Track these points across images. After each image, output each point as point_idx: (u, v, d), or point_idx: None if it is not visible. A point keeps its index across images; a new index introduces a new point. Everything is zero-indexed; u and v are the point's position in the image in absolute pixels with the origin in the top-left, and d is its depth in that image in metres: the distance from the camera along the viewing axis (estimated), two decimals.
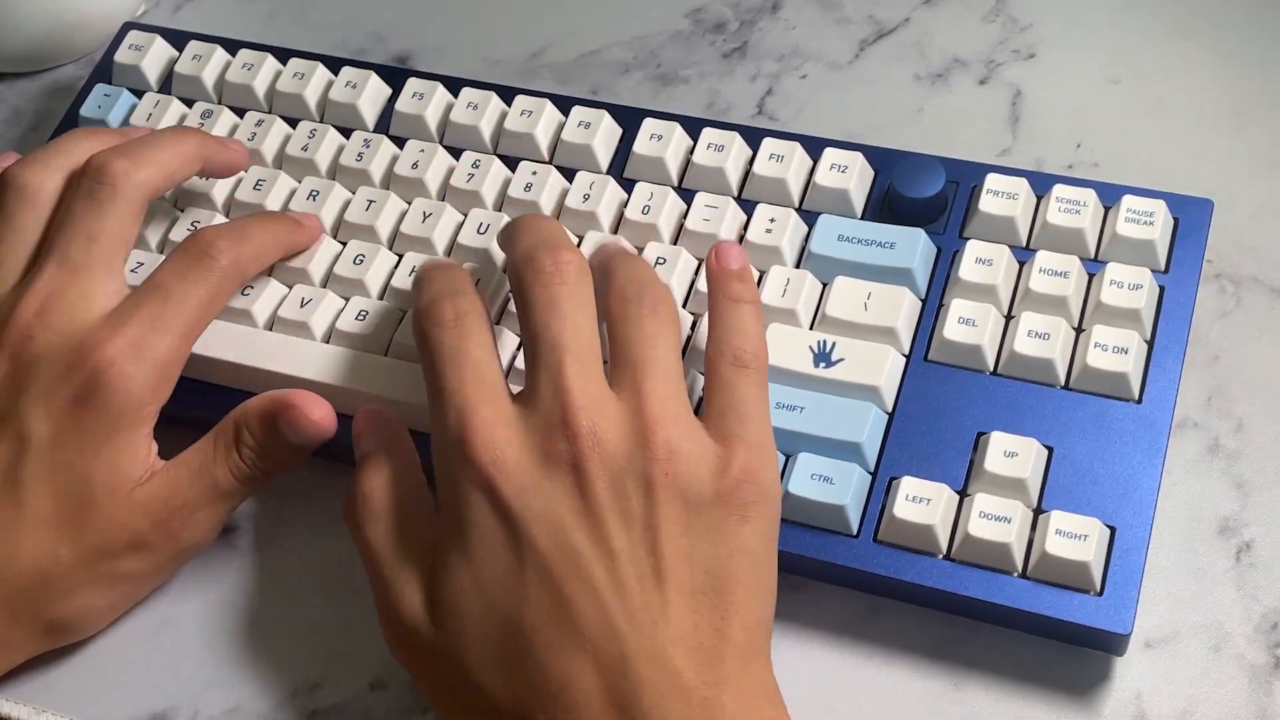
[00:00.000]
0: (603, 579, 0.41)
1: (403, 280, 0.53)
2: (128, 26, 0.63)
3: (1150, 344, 0.49)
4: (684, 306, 0.51)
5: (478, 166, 0.56)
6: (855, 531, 0.47)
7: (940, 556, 0.46)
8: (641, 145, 0.55)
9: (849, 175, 0.53)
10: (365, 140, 0.57)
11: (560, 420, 0.43)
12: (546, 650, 0.41)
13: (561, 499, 0.42)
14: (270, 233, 0.52)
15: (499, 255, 0.53)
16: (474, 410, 0.43)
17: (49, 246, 0.49)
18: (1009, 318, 0.50)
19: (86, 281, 0.48)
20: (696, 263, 0.53)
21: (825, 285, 0.52)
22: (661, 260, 0.52)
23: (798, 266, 0.53)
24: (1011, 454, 0.47)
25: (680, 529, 0.42)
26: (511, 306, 0.51)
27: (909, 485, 0.47)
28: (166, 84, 0.61)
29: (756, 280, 0.52)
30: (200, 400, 0.51)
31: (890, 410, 0.49)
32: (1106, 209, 0.52)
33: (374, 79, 0.59)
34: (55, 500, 0.46)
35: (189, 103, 0.60)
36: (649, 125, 0.56)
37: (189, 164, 0.52)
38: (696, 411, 0.45)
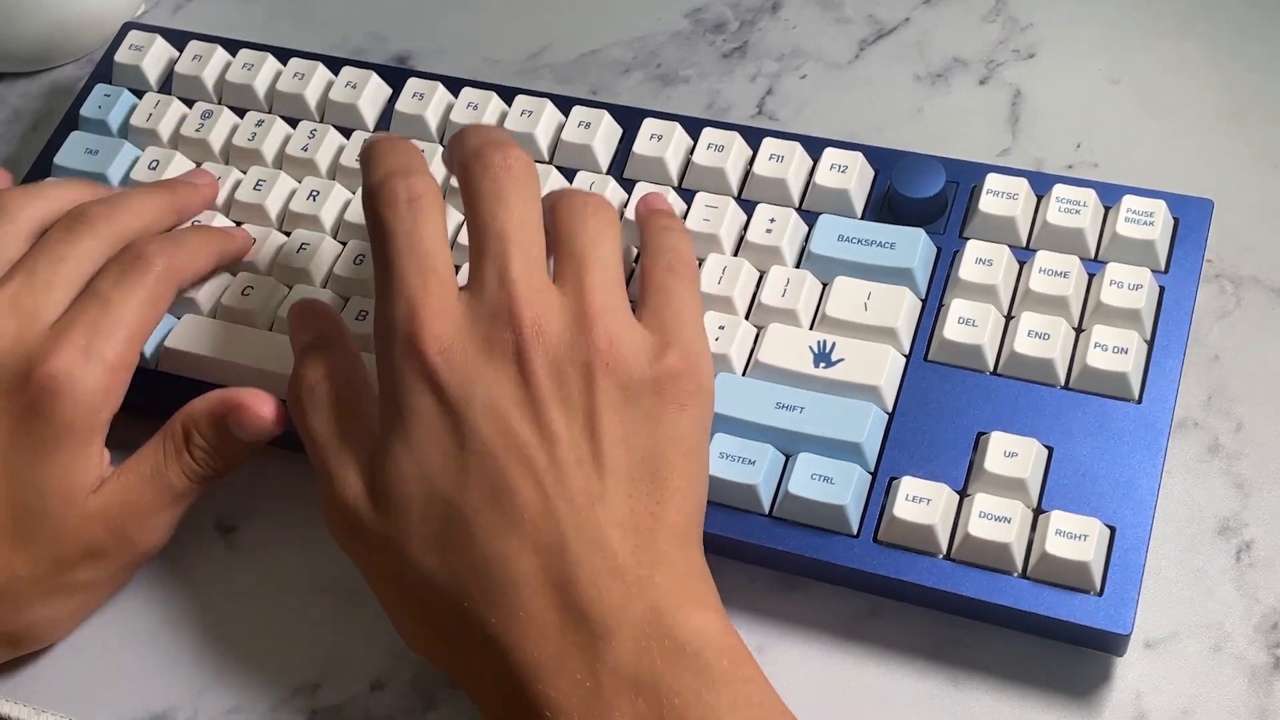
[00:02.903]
0: (543, 463, 0.42)
1: None
2: (128, 26, 0.63)
3: (1150, 344, 0.49)
4: None
5: None
6: (855, 531, 0.47)
7: (940, 556, 0.46)
8: (641, 145, 0.55)
9: (849, 175, 0.53)
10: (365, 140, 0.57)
11: (505, 310, 0.44)
12: (486, 532, 0.42)
13: (504, 387, 0.43)
14: (201, 239, 0.53)
15: None
16: (422, 303, 0.44)
17: (20, 262, 0.49)
18: (1009, 318, 0.50)
19: (43, 294, 0.48)
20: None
21: (825, 285, 0.52)
22: None
23: (798, 266, 0.53)
24: (1011, 454, 0.47)
25: (619, 416, 0.43)
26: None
27: (909, 485, 0.47)
28: (166, 84, 0.61)
29: (756, 280, 0.52)
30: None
31: (890, 410, 0.49)
32: (1106, 209, 0.52)
33: (374, 79, 0.59)
34: (8, 513, 0.46)
35: (189, 103, 0.60)
36: (649, 125, 0.56)
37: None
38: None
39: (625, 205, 0.54)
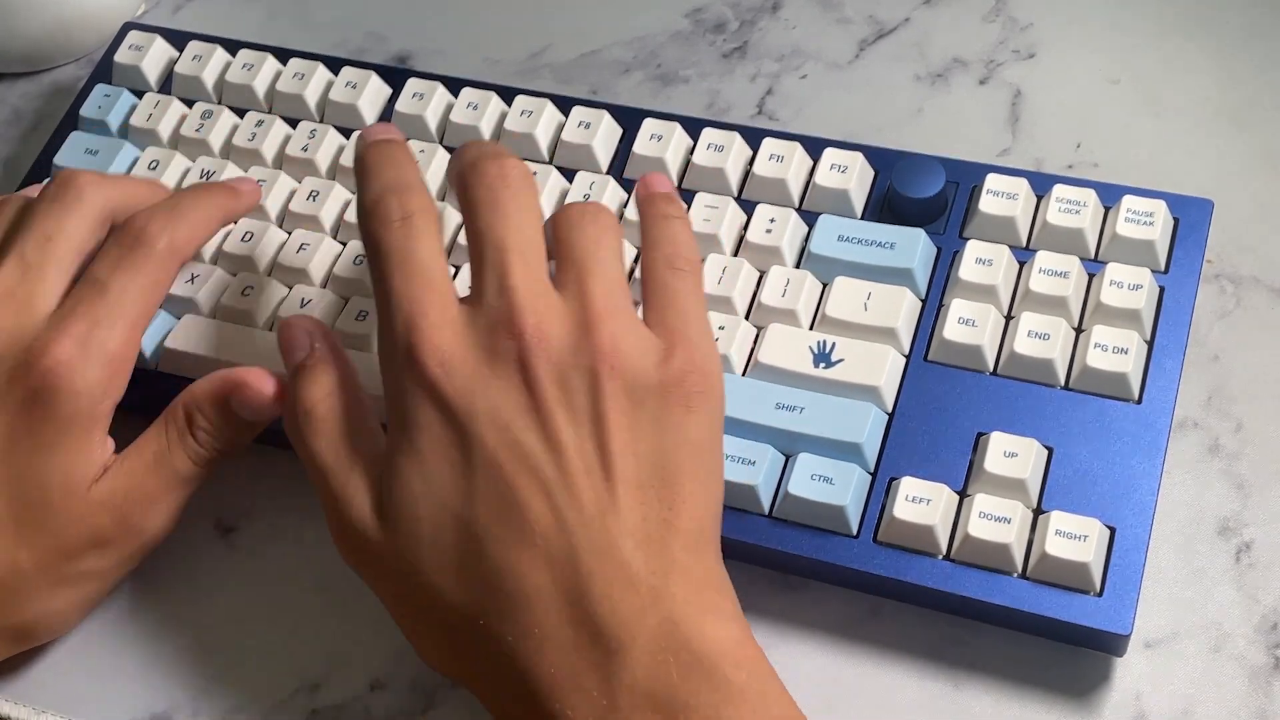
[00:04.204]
0: (551, 474, 0.41)
1: None
2: (128, 26, 0.63)
3: (1150, 344, 0.49)
4: None
5: None
6: (855, 532, 0.47)
7: (940, 557, 0.46)
8: (641, 145, 0.55)
9: (849, 175, 0.53)
10: None
11: (506, 319, 0.43)
12: (497, 547, 0.41)
13: (508, 396, 0.42)
14: (204, 207, 0.51)
15: None
16: (422, 314, 0.43)
17: (8, 246, 0.49)
18: (1009, 318, 0.50)
19: (37, 281, 0.48)
20: None
21: (825, 285, 0.52)
22: None
23: (798, 267, 0.53)
24: (1011, 454, 0.47)
25: (626, 421, 0.42)
26: None
27: (909, 485, 0.47)
28: (166, 84, 0.61)
29: (756, 280, 0.52)
30: None
31: (890, 410, 0.49)
32: (1106, 209, 0.52)
33: (374, 79, 0.59)
34: (10, 505, 0.46)
35: (189, 103, 0.60)
36: (649, 125, 0.56)
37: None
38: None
39: (625, 206, 0.54)
